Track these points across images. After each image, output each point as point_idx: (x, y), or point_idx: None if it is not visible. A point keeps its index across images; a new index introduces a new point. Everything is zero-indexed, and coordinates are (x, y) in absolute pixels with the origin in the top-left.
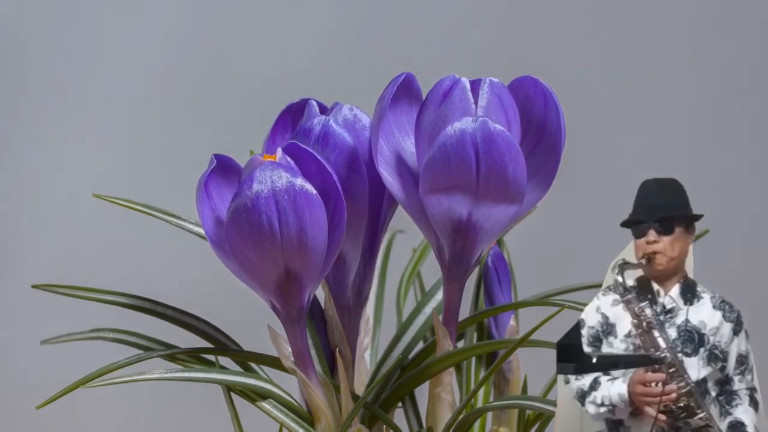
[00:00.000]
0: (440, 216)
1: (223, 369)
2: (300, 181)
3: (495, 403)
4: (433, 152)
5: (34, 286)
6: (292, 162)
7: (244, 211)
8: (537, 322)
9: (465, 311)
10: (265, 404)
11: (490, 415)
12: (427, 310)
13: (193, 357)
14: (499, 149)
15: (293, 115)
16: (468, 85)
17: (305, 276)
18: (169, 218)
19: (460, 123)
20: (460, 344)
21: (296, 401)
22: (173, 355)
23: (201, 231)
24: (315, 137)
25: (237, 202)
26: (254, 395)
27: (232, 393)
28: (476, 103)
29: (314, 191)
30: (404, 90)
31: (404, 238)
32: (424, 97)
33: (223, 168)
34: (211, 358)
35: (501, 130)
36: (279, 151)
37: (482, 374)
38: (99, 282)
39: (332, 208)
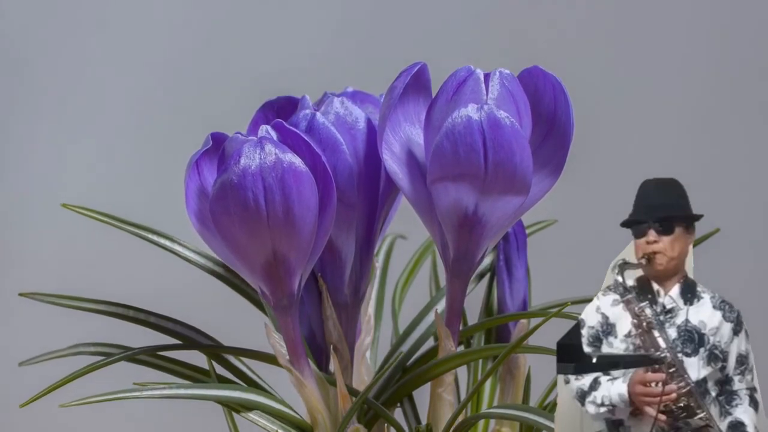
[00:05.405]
0: (446, 207)
1: (208, 383)
2: (289, 157)
3: (495, 411)
4: (441, 139)
5: (21, 294)
6: (277, 136)
7: (229, 187)
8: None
9: (476, 312)
10: (252, 415)
11: None
12: (439, 308)
13: (187, 366)
14: (506, 136)
15: (277, 113)
16: (482, 77)
17: (294, 259)
18: (139, 231)
19: (467, 109)
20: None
21: (288, 407)
22: (159, 362)
23: (170, 245)
24: (301, 131)
25: (223, 177)
26: (240, 407)
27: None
28: (487, 95)
29: (304, 167)
30: (415, 80)
31: (406, 242)
32: (432, 87)
33: (217, 146)
34: (206, 365)
35: (506, 116)
36: (262, 128)
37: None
38: (89, 289)
39: (322, 189)
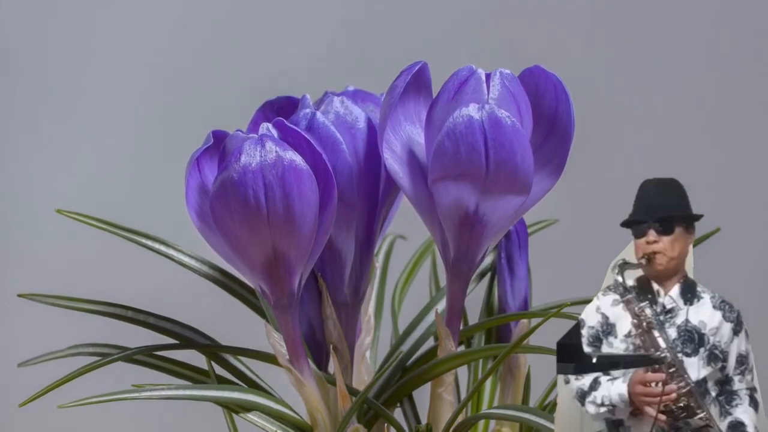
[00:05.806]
0: (447, 207)
1: (207, 383)
2: (290, 155)
3: (495, 411)
4: (442, 138)
5: (20, 295)
6: (278, 134)
7: (230, 184)
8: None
9: (476, 312)
10: (251, 416)
11: None
12: (439, 308)
13: (187, 367)
14: (507, 135)
15: (277, 113)
16: (483, 77)
17: (294, 257)
18: (133, 236)
19: (468, 109)
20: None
21: (288, 407)
22: (159, 363)
23: (164, 249)
24: (301, 130)
25: (224, 175)
26: (239, 408)
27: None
28: (488, 95)
29: (304, 164)
30: (415, 79)
31: (406, 242)
32: (432, 87)
33: (218, 143)
34: (205, 365)
35: (508, 116)
36: (263, 126)
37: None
38: (88, 290)
39: (322, 187)
